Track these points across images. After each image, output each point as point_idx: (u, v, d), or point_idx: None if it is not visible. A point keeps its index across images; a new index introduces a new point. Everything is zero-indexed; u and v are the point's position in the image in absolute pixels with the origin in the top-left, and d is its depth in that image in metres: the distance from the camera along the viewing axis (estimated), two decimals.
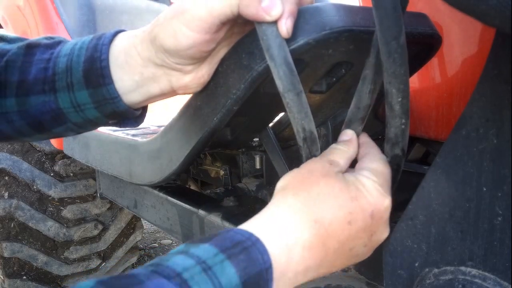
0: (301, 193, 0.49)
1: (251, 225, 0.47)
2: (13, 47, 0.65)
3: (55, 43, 0.65)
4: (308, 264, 0.47)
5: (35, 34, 1.74)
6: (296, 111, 0.54)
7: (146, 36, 0.58)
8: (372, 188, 0.51)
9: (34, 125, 0.66)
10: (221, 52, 0.59)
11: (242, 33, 0.57)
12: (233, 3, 0.50)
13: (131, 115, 0.65)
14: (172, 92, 0.62)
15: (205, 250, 0.41)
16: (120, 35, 0.62)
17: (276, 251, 0.44)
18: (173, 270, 0.38)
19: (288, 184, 0.51)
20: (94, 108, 0.63)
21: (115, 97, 0.61)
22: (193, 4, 0.52)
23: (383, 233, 0.53)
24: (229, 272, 0.40)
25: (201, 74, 0.59)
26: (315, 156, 0.57)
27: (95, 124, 0.68)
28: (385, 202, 0.52)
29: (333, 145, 0.58)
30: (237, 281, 0.40)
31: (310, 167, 0.52)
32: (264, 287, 0.42)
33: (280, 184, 0.52)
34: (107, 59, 0.60)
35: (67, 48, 0.63)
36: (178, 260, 0.40)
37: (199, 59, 0.57)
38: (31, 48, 0.64)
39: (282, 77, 0.51)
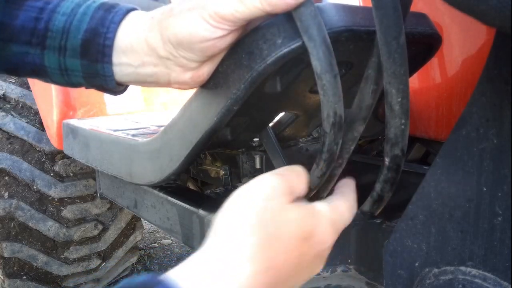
0: (258, 232, 0.42)
1: (181, 275, 0.39)
2: None
3: None
4: None
5: None
6: (332, 94, 0.53)
7: (155, 25, 0.55)
8: (326, 226, 0.48)
9: (9, 70, 0.62)
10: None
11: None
12: (260, 3, 0.48)
13: (115, 90, 0.62)
14: (166, 85, 0.60)
15: None
16: (131, 15, 0.58)
17: None
18: None
19: (241, 216, 0.44)
20: (82, 77, 0.60)
21: (108, 76, 0.58)
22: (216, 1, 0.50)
23: (318, 268, 0.49)
24: None
25: (201, 73, 0.57)
26: (337, 144, 0.56)
27: (74, 86, 0.64)
28: (332, 239, 0.49)
29: (297, 167, 0.53)
30: None
31: (267, 195, 0.45)
32: None
33: (228, 212, 0.45)
34: (112, 39, 0.56)
35: (67, 6, 0.58)
36: None
37: (209, 56, 0.55)
38: None
39: (322, 58, 0.50)
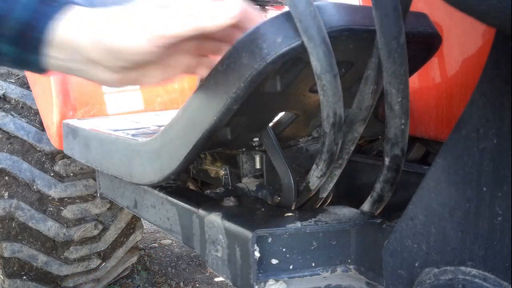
0: None
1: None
2: None
3: None
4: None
5: None
6: (331, 94, 0.53)
7: (91, 29, 0.58)
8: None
9: None
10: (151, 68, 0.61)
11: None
12: (195, 30, 0.54)
13: (42, 74, 0.65)
14: (94, 82, 0.63)
15: None
16: (71, 12, 0.59)
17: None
18: None
19: None
20: (11, 62, 0.63)
21: (40, 67, 0.61)
22: (153, 20, 0.55)
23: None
24: None
25: (130, 76, 0.61)
26: (337, 144, 0.57)
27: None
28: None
29: None
30: None
31: None
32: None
33: None
34: (46, 34, 0.58)
35: None
36: None
37: (139, 65, 0.59)
38: None
39: (321, 58, 0.50)
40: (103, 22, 0.58)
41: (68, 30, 0.58)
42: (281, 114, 0.80)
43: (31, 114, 1.85)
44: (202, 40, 0.59)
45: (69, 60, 0.60)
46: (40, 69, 0.62)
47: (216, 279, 2.44)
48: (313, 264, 0.68)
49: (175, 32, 0.54)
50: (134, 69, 0.60)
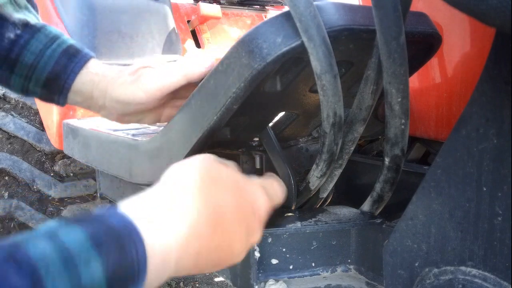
0: (200, 173, 0.48)
1: (133, 207, 0.42)
2: None
3: (22, 24, 0.72)
4: (192, 247, 0.44)
5: None
6: (331, 94, 0.53)
7: (103, 84, 0.72)
8: (256, 186, 0.54)
9: None
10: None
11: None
12: (185, 77, 0.70)
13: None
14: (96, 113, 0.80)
15: (73, 235, 0.35)
16: (89, 65, 0.74)
17: (155, 241, 0.40)
18: (28, 257, 0.32)
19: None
20: (38, 98, 0.78)
21: (62, 103, 0.76)
22: (150, 78, 0.70)
23: (258, 234, 0.53)
24: (94, 266, 0.34)
25: (129, 119, 0.76)
26: (337, 144, 0.59)
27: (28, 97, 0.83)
28: (263, 199, 0.54)
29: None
30: (101, 276, 0.34)
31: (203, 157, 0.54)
32: (135, 280, 0.37)
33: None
34: (71, 84, 0.73)
35: (36, 47, 0.72)
36: (40, 244, 0.33)
37: (138, 113, 0.74)
38: None
39: (321, 58, 0.50)
40: (111, 77, 0.72)
41: (84, 81, 0.73)
42: (281, 114, 0.79)
43: (31, 114, 1.85)
44: (188, 89, 0.71)
45: (83, 101, 0.76)
46: (61, 104, 0.76)
47: (216, 279, 2.44)
48: (313, 264, 0.68)
49: (168, 84, 0.70)
50: (133, 115, 0.75)
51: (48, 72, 0.72)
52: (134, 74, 0.72)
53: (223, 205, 0.47)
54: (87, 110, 0.80)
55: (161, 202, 0.44)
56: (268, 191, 0.56)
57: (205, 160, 0.51)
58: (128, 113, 0.74)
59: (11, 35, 0.70)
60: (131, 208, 0.42)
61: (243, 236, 0.50)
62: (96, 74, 0.73)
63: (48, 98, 0.76)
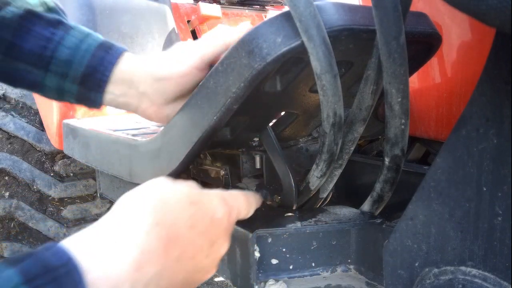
0: (149, 200, 0.47)
1: (76, 242, 0.41)
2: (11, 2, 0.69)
3: (56, 22, 0.71)
4: (146, 272, 0.42)
5: None
6: (331, 94, 0.53)
7: (141, 63, 0.70)
8: (213, 196, 0.52)
9: (8, 81, 0.73)
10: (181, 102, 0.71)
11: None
12: (225, 44, 0.67)
13: (95, 108, 0.76)
14: (132, 112, 0.76)
15: (7, 278, 0.34)
16: (125, 56, 0.71)
17: (100, 273, 0.39)
18: None
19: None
20: (74, 99, 0.73)
21: (98, 102, 0.73)
22: (189, 49, 0.69)
23: (224, 244, 0.52)
24: None
25: (164, 111, 0.72)
26: (337, 144, 0.59)
27: (60, 101, 0.77)
28: (223, 209, 0.52)
29: None
30: None
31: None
32: None
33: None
34: (108, 76, 0.70)
35: (71, 41, 0.70)
36: None
37: (177, 95, 0.70)
38: (31, 14, 0.69)
39: (321, 58, 0.50)
40: (151, 59, 0.70)
41: (123, 70, 0.70)
42: (281, 114, 0.80)
43: (31, 114, 1.85)
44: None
45: (122, 94, 0.72)
46: (97, 104, 0.73)
47: (216, 279, 2.44)
48: (313, 264, 0.68)
49: (210, 51, 0.67)
50: (172, 102, 0.71)
51: (85, 66, 0.69)
52: (172, 50, 0.70)
53: (175, 222, 0.46)
54: (122, 109, 0.76)
55: (108, 233, 0.43)
56: (228, 202, 0.54)
57: (154, 184, 0.49)
58: (170, 94, 0.70)
59: (45, 32, 0.69)
60: (74, 243, 0.41)
61: (205, 248, 0.49)
62: (133, 61, 0.71)
63: (85, 97, 0.73)
